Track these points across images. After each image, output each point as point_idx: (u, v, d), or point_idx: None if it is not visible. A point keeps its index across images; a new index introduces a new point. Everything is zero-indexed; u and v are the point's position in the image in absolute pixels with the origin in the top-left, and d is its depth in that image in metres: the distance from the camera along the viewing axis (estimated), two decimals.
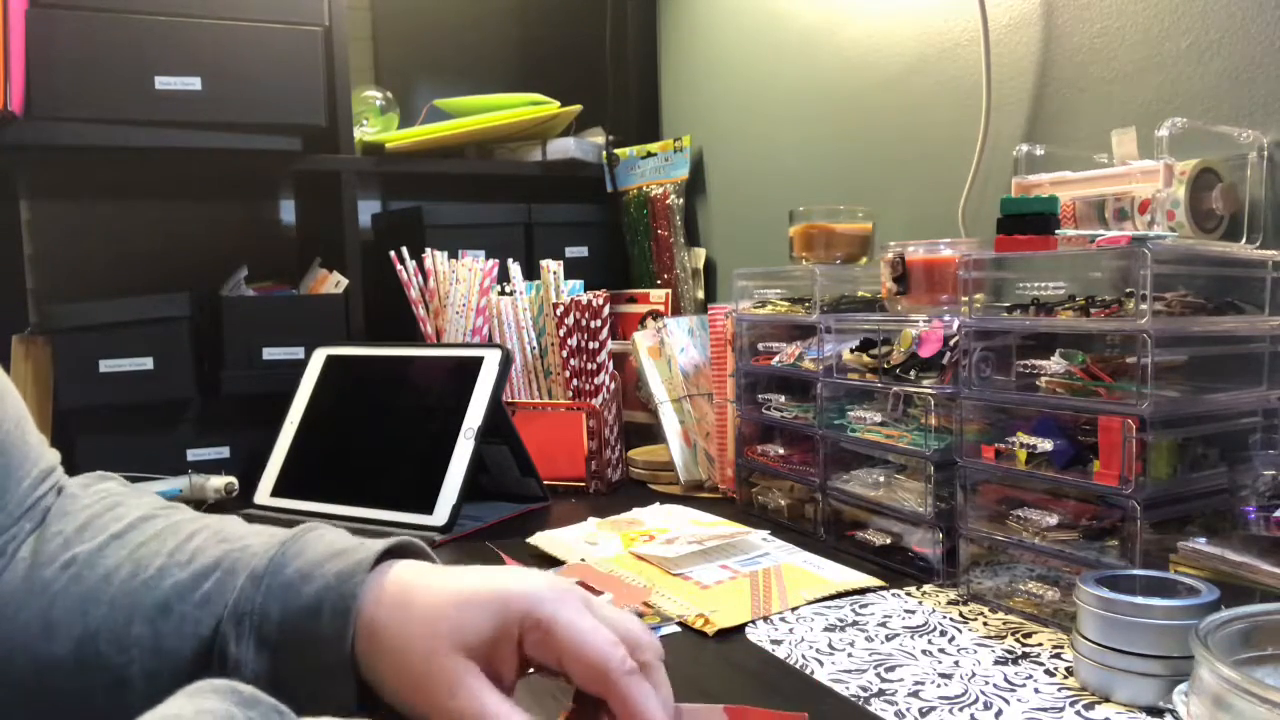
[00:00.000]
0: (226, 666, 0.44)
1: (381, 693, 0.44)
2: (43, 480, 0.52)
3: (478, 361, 1.10)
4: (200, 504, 1.13)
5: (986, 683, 0.62)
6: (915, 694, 0.60)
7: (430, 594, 0.45)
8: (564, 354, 1.25)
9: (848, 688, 0.62)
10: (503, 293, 1.30)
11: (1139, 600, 0.57)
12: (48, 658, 0.46)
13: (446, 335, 1.27)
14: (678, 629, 0.73)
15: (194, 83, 1.20)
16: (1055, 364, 0.71)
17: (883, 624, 0.72)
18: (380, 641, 0.44)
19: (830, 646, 0.68)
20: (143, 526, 0.51)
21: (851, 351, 0.91)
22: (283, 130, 1.26)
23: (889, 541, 0.87)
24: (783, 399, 1.02)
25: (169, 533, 0.50)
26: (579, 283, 1.33)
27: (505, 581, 0.45)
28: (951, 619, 0.73)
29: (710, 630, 0.71)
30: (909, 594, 0.79)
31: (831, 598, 0.78)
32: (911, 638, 0.70)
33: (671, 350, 1.24)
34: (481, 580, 0.45)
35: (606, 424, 1.22)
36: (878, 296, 0.95)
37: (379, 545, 0.48)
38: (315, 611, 0.45)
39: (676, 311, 1.48)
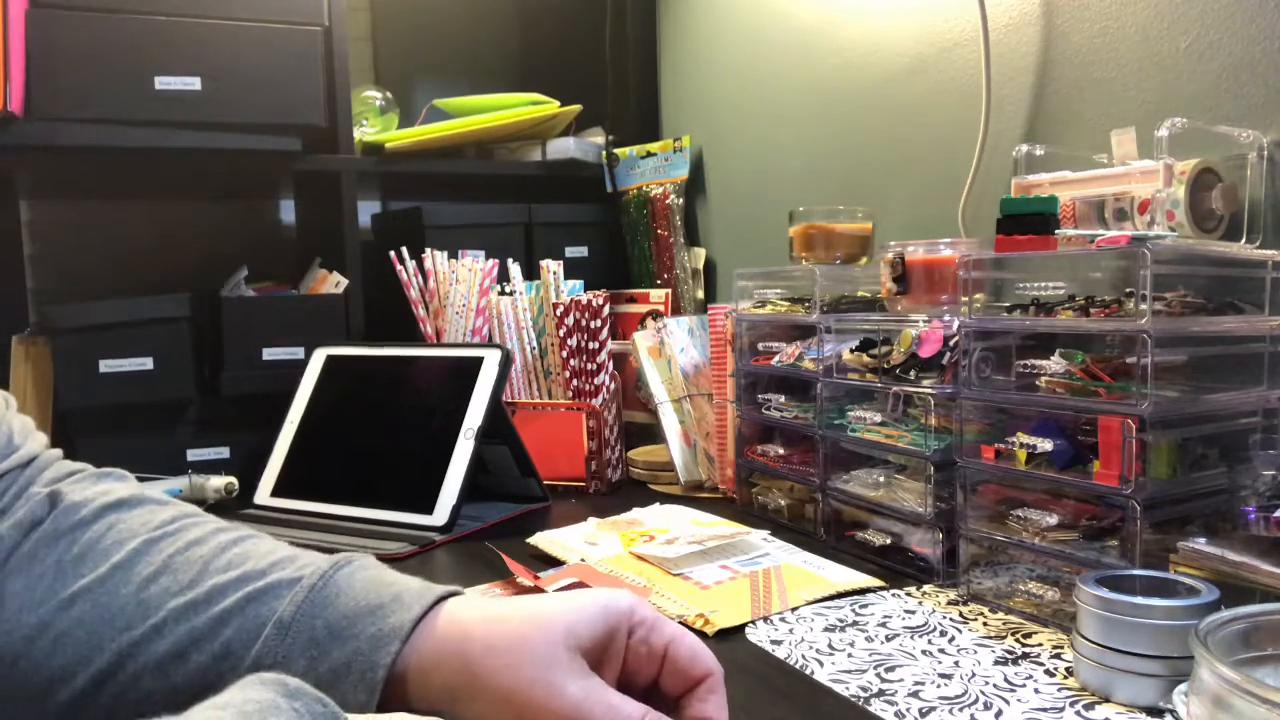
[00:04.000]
0: None
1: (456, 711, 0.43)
2: (18, 471, 0.49)
3: (478, 362, 1.10)
4: (200, 504, 1.12)
5: (986, 683, 0.62)
6: (915, 694, 0.60)
7: (518, 613, 0.43)
8: (564, 354, 1.25)
9: (848, 688, 0.62)
10: (503, 293, 1.30)
11: (1139, 600, 0.57)
12: (52, 706, 0.44)
13: (446, 335, 1.27)
14: None
15: (194, 83, 1.20)
16: (1055, 364, 0.71)
17: (883, 624, 0.72)
18: (471, 672, 0.42)
19: (830, 647, 0.68)
20: (148, 553, 0.47)
21: (851, 351, 0.91)
22: (283, 130, 1.26)
23: (889, 542, 0.87)
24: (783, 399, 1.02)
25: (179, 562, 0.47)
26: (579, 283, 1.33)
27: (595, 592, 0.45)
28: (951, 619, 0.73)
29: (710, 630, 0.71)
30: (909, 594, 0.79)
31: (831, 598, 0.78)
32: (911, 638, 0.70)
33: (671, 350, 1.24)
34: (569, 595, 0.45)
35: (606, 424, 1.22)
36: (878, 296, 0.95)
37: (419, 604, 0.45)
38: (342, 674, 0.43)
39: (676, 311, 1.48)
